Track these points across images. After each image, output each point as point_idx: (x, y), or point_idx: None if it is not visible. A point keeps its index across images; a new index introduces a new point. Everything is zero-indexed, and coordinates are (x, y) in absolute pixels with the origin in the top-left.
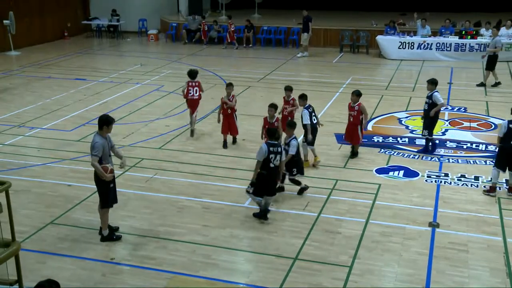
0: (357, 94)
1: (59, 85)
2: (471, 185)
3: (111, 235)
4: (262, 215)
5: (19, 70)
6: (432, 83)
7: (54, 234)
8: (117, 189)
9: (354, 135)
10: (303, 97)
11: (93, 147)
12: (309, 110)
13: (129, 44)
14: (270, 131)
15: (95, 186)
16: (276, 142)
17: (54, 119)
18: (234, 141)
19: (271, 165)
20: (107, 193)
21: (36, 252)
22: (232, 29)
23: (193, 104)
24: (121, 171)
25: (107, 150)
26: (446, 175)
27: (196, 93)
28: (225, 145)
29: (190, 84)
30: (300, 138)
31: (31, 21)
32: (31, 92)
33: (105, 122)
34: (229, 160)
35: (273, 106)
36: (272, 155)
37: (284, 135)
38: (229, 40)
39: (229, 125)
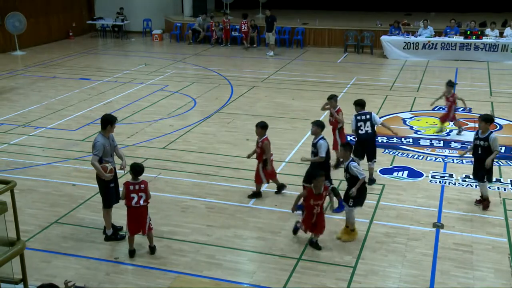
0: (261, 126)
1: (64, 85)
2: (476, 186)
3: (115, 234)
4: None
5: (24, 70)
6: (359, 104)
7: (59, 233)
8: (122, 189)
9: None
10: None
11: (94, 146)
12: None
13: (133, 44)
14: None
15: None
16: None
17: (58, 118)
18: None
19: (361, 131)
20: (107, 193)
21: (41, 251)
22: (228, 27)
23: None
24: (123, 172)
25: (109, 149)
26: (451, 175)
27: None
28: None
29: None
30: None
31: (36, 21)
32: (36, 92)
33: (108, 121)
34: (234, 160)
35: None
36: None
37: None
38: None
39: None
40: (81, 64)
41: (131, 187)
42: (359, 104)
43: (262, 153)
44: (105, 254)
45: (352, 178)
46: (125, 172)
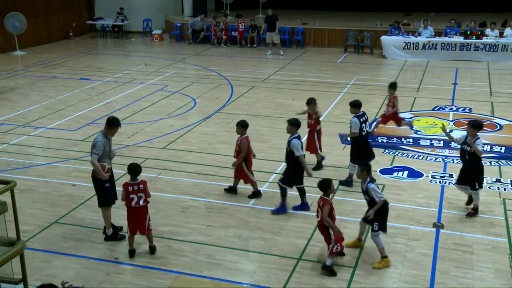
0: (241, 125)
1: (64, 85)
2: None
3: (115, 234)
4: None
5: (24, 70)
6: (357, 105)
7: (59, 233)
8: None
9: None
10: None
11: (94, 146)
12: (375, 183)
13: (133, 44)
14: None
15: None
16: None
17: (58, 118)
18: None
19: (363, 133)
20: (102, 192)
21: (41, 251)
22: (224, 27)
23: None
24: (123, 171)
25: (107, 151)
26: (451, 175)
27: None
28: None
29: None
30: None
31: (36, 21)
32: (36, 92)
33: (115, 123)
34: (233, 160)
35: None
36: (363, 124)
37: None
38: (224, 38)
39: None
40: (81, 64)
41: (130, 188)
42: (357, 106)
43: (240, 152)
44: (105, 254)
45: (373, 201)
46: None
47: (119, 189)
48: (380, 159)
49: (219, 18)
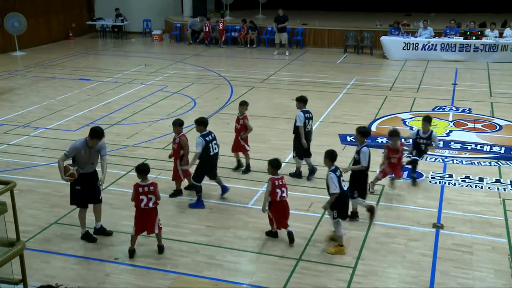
0: (179, 124)
1: (64, 86)
2: (476, 186)
3: (87, 236)
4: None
5: (24, 71)
6: (303, 100)
7: (59, 234)
8: (122, 189)
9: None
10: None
11: (69, 147)
12: (336, 173)
13: (133, 44)
14: None
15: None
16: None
17: (58, 119)
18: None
19: (306, 130)
20: (71, 192)
21: (40, 251)
22: (220, 28)
23: None
24: (101, 187)
25: (85, 157)
26: (451, 176)
27: None
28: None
29: None
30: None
31: (36, 22)
32: (36, 93)
33: (94, 133)
34: (233, 160)
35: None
36: (306, 120)
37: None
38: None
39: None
40: (81, 64)
41: (140, 189)
42: (303, 101)
43: (179, 150)
44: (105, 255)
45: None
46: (103, 188)
47: (123, 189)
48: (380, 159)
49: (217, 18)
